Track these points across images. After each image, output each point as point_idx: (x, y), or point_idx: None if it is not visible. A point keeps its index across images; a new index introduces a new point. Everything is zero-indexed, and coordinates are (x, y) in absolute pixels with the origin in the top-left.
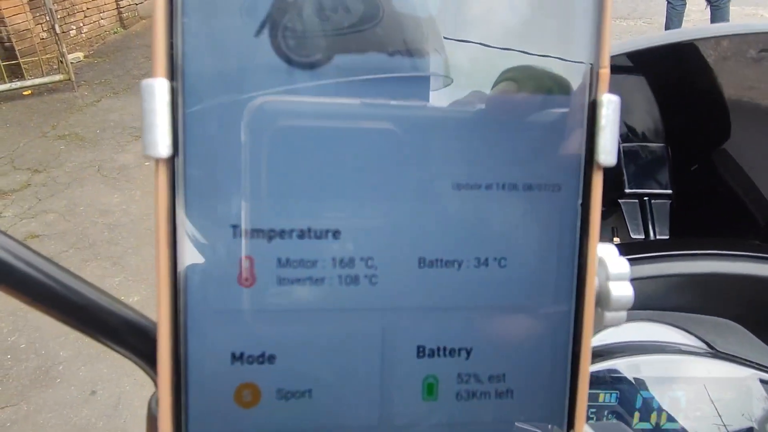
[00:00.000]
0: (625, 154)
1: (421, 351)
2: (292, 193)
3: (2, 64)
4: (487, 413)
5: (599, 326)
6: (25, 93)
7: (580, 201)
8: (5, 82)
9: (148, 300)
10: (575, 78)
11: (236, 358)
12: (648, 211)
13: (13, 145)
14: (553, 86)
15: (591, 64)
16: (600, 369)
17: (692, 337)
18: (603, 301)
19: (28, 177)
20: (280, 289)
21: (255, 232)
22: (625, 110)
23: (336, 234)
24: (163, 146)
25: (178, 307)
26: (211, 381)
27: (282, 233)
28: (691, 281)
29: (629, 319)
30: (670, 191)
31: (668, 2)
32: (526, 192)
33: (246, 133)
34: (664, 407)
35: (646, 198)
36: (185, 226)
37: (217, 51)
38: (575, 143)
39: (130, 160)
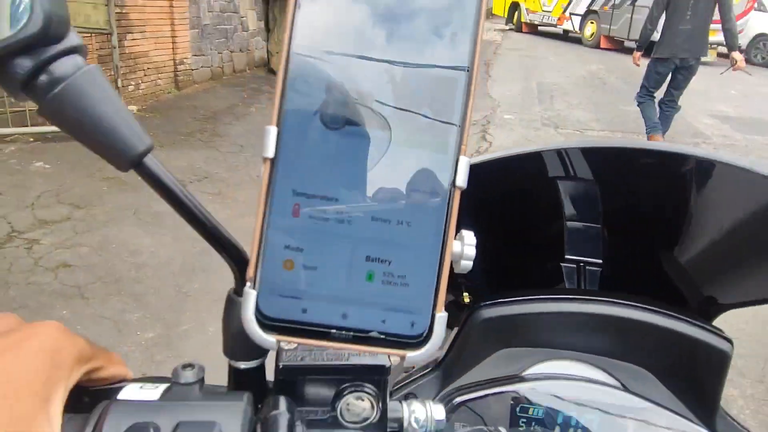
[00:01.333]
0: (568, 229)
1: (368, 258)
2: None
3: None
4: (395, 293)
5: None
6: None
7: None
8: None
9: (162, 337)
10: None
11: (285, 247)
12: (583, 274)
13: (60, 181)
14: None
15: (458, 125)
16: (532, 387)
17: (608, 376)
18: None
19: (69, 211)
20: (306, 221)
21: (301, 194)
22: (572, 192)
23: (335, 200)
24: (269, 152)
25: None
26: (272, 256)
27: (309, 196)
28: (609, 326)
29: (558, 357)
30: (600, 261)
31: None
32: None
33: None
34: (580, 426)
35: (581, 264)
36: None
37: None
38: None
39: (165, 208)
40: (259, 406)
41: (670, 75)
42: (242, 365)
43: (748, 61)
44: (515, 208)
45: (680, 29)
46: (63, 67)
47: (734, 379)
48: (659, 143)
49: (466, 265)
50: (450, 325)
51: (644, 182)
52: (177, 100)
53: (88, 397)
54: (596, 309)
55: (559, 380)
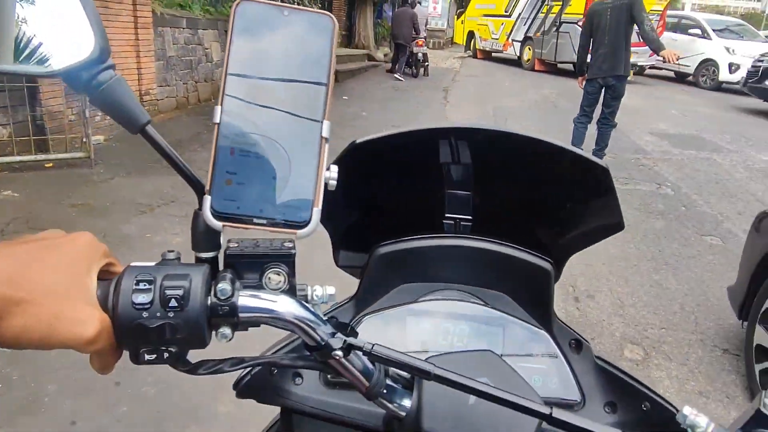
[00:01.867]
0: (447, 194)
1: (274, 177)
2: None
3: (32, 138)
4: (291, 197)
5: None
6: (47, 165)
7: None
8: (32, 154)
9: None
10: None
11: (226, 172)
12: (458, 227)
13: (30, 208)
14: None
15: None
16: (420, 308)
17: (477, 299)
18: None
19: None
20: (238, 157)
21: (236, 142)
22: (451, 165)
23: (255, 145)
24: (216, 119)
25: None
26: (219, 178)
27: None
28: (474, 260)
29: (442, 288)
30: (470, 217)
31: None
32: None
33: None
34: (456, 333)
35: (457, 219)
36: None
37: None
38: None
39: (133, 231)
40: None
41: (602, 95)
42: (203, 255)
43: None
44: (413, 175)
45: (600, 52)
46: (105, 75)
47: (661, 363)
48: (519, 130)
49: (332, 183)
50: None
51: (505, 158)
52: None
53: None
54: (461, 242)
55: (439, 301)
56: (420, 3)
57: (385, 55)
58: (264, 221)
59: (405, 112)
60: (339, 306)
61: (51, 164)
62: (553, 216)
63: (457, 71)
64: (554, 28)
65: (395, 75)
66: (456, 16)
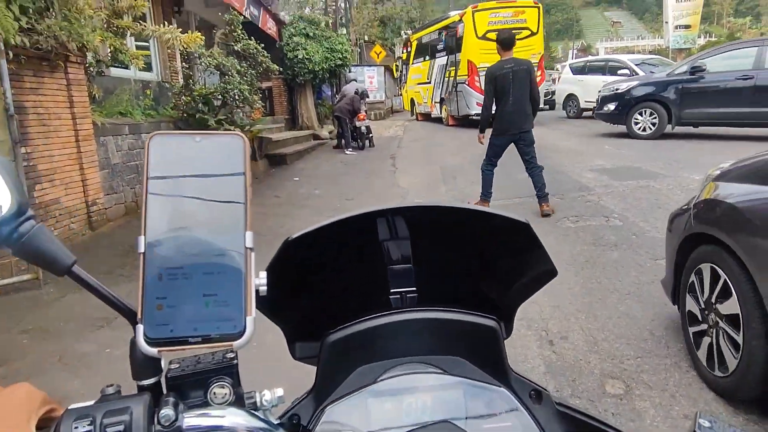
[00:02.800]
0: (390, 270)
1: (204, 294)
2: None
3: None
4: (222, 311)
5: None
6: None
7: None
8: None
9: None
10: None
11: (156, 298)
12: (404, 300)
13: None
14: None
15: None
16: (380, 388)
17: (435, 368)
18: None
19: None
20: (166, 281)
21: (162, 267)
22: (390, 242)
23: (181, 268)
24: (141, 248)
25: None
26: (149, 304)
27: (167, 268)
28: (427, 330)
29: (400, 363)
30: (414, 288)
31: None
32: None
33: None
34: (419, 405)
35: (402, 293)
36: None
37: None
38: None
39: (92, 348)
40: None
41: (512, 146)
42: (145, 383)
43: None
44: (354, 258)
45: (507, 111)
46: (26, 227)
47: (643, 393)
48: (444, 202)
49: (263, 289)
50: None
51: (438, 228)
52: (92, 240)
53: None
54: (409, 316)
55: (398, 377)
56: (355, 80)
57: (330, 132)
58: (199, 339)
59: (357, 185)
60: (299, 401)
61: None
62: (491, 275)
63: (401, 138)
64: (453, 89)
65: (345, 151)
66: (400, 88)
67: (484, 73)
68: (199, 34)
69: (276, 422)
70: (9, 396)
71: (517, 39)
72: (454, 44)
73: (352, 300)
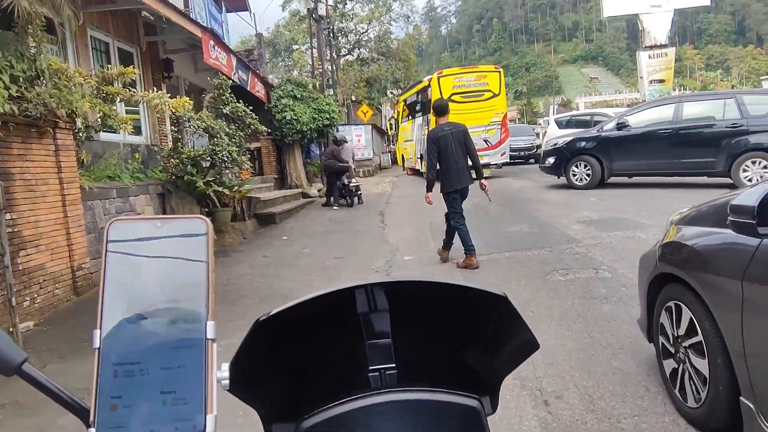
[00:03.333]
0: (368, 346)
1: (162, 392)
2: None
3: None
4: (181, 409)
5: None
6: None
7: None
8: None
9: None
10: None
11: (111, 397)
12: (384, 377)
13: None
14: None
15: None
16: None
17: None
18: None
19: None
20: (121, 379)
21: (117, 364)
22: (367, 318)
23: (138, 363)
24: (96, 344)
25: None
26: (103, 404)
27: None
28: (408, 410)
29: None
30: (393, 365)
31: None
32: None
33: None
34: None
35: (382, 370)
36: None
37: None
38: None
39: (72, 422)
40: None
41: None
42: None
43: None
44: (331, 333)
45: (453, 169)
46: None
47: None
48: (421, 277)
49: (225, 383)
50: None
51: (416, 303)
52: (77, 306)
53: None
54: (388, 397)
55: None
56: (346, 141)
57: (319, 191)
58: None
59: (346, 242)
60: None
61: None
62: (472, 347)
63: (389, 194)
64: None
65: (333, 207)
66: (392, 144)
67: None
68: (188, 98)
69: None
70: None
71: (481, 100)
72: (426, 105)
73: (330, 378)
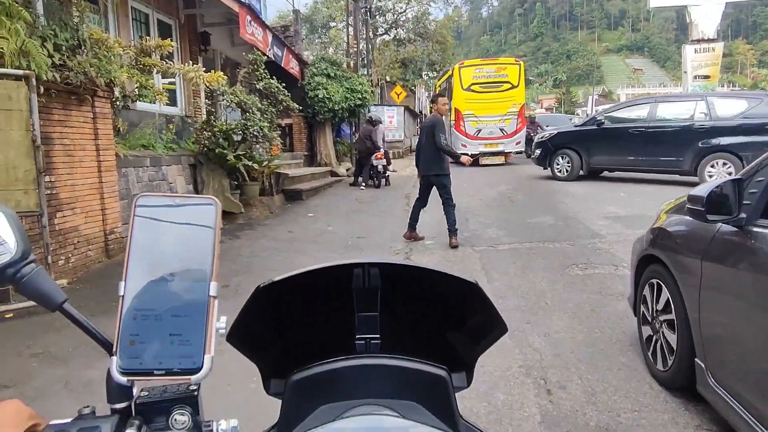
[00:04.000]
0: (357, 317)
1: (170, 334)
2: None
3: None
4: (185, 348)
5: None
6: (7, 316)
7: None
8: None
9: None
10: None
11: (130, 335)
12: (368, 346)
13: None
14: None
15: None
16: (338, 427)
17: (393, 411)
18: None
19: None
20: (140, 321)
21: (138, 309)
22: (359, 292)
23: (153, 310)
24: (121, 291)
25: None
26: (124, 339)
27: (141, 309)
28: (387, 375)
29: (360, 405)
30: (378, 335)
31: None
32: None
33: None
34: None
35: (367, 339)
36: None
37: None
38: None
39: (97, 375)
40: None
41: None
42: (117, 406)
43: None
44: (326, 303)
45: (420, 158)
46: (27, 269)
47: None
48: (401, 261)
49: (222, 332)
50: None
51: (401, 282)
52: (108, 267)
53: None
54: (370, 361)
55: (356, 417)
56: (380, 122)
57: (348, 170)
58: (163, 372)
59: (369, 223)
60: None
61: (11, 314)
62: (449, 328)
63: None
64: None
65: (360, 187)
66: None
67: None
68: (222, 73)
69: None
70: (4, 407)
71: (499, 91)
72: (451, 93)
73: (322, 343)
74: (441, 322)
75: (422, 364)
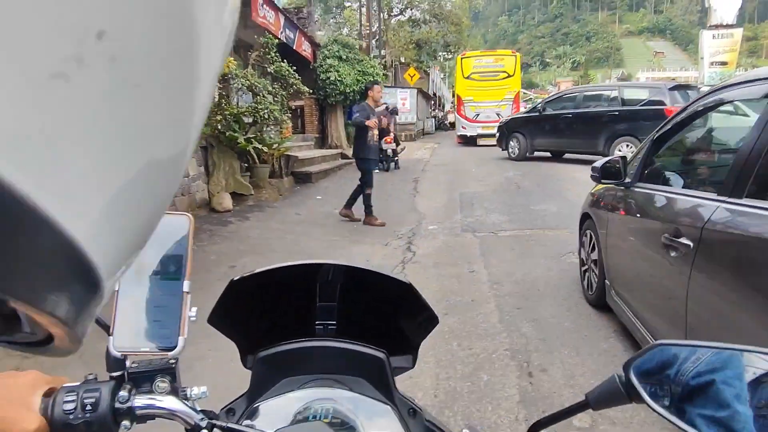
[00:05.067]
0: (317, 306)
1: (153, 319)
2: None
3: None
4: (162, 330)
5: None
6: None
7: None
8: None
9: None
10: None
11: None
12: (326, 331)
13: None
14: None
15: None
16: (297, 395)
17: (342, 385)
18: None
19: None
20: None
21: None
22: (321, 285)
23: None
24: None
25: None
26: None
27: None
28: (338, 355)
29: (317, 377)
30: (334, 322)
31: None
32: None
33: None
34: (322, 414)
35: (325, 324)
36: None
37: None
38: None
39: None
40: None
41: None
42: (113, 374)
43: None
44: (294, 293)
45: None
46: None
47: (607, 428)
48: (346, 263)
49: (193, 319)
50: None
51: (352, 279)
52: None
53: None
54: (326, 343)
55: (312, 389)
56: (396, 113)
57: None
58: (147, 348)
59: (376, 207)
60: (236, 399)
61: None
62: (392, 318)
63: (427, 161)
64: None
65: None
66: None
67: None
68: (232, 58)
69: (198, 409)
70: (23, 377)
71: (496, 80)
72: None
73: (288, 326)
74: (387, 313)
75: (365, 347)
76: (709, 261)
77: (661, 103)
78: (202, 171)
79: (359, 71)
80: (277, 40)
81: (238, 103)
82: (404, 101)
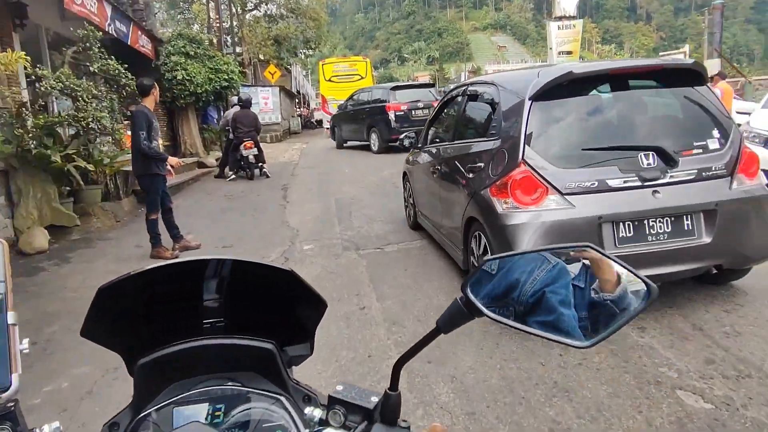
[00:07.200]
0: (203, 303)
1: None
2: None
3: None
4: None
5: None
6: None
7: None
8: None
9: None
10: None
11: None
12: (214, 328)
13: None
14: None
15: None
16: (186, 398)
17: (236, 382)
18: None
19: None
20: None
21: None
22: (208, 282)
23: None
24: None
25: None
26: None
27: None
28: (229, 351)
29: (209, 378)
30: (222, 318)
31: None
32: None
33: None
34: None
35: (212, 322)
36: None
37: None
38: None
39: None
40: None
41: None
42: None
43: None
44: (177, 293)
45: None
46: None
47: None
48: (230, 256)
49: (26, 352)
50: None
51: (237, 273)
52: None
53: None
54: (212, 341)
55: (201, 390)
56: (250, 103)
57: (217, 159)
58: None
59: (240, 226)
60: (120, 412)
61: None
62: (285, 308)
63: (296, 164)
64: None
65: (228, 179)
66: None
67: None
68: (23, 53)
69: None
70: None
71: (353, 81)
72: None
73: (177, 329)
74: (277, 304)
75: (253, 340)
76: (443, 174)
77: (385, 101)
78: (2, 202)
79: (211, 68)
80: (101, 34)
81: (53, 112)
82: (267, 100)
